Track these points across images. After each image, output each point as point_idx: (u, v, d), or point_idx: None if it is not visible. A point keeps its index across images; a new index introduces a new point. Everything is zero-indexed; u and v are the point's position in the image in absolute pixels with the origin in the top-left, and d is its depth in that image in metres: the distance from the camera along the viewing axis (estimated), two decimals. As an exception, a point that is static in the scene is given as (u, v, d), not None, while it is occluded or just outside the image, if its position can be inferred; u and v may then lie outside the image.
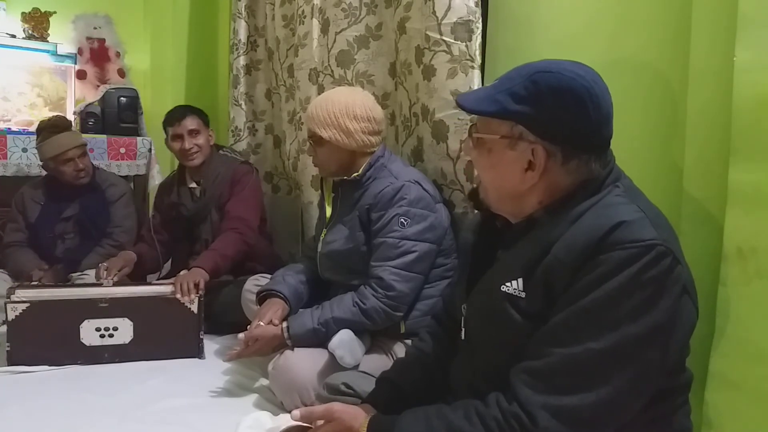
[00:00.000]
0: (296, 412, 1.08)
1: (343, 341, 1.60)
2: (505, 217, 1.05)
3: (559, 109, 0.92)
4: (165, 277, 2.47)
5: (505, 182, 0.99)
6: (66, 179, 2.46)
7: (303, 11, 2.35)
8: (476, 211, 1.14)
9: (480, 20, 1.71)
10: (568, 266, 0.88)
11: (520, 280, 0.94)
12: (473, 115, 1.06)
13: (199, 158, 2.42)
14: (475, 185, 1.09)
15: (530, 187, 0.96)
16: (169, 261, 2.62)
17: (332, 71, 2.24)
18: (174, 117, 2.44)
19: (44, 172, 2.64)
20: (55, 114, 2.90)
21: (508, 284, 0.96)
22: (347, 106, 1.70)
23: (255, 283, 2.05)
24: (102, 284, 2.12)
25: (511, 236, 1.02)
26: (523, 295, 0.94)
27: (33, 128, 3.08)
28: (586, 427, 0.87)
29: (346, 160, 1.74)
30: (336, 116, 1.69)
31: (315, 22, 2.28)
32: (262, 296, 1.83)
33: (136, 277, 2.40)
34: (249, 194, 2.40)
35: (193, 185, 2.51)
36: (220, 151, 2.54)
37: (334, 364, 1.58)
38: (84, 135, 2.68)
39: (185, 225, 2.51)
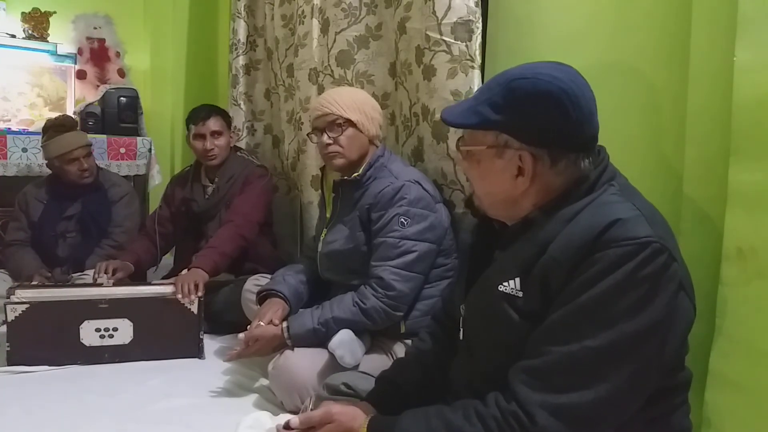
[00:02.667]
0: (294, 419, 1.08)
1: (343, 341, 1.60)
2: (502, 220, 1.05)
3: (538, 114, 0.93)
4: (168, 275, 2.48)
5: (497, 190, 1.00)
6: (70, 178, 2.47)
7: (303, 11, 2.35)
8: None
9: (480, 20, 1.71)
10: (564, 265, 0.89)
11: (517, 280, 0.95)
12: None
13: (218, 159, 2.46)
14: (470, 193, 1.10)
15: (523, 192, 0.97)
16: (168, 255, 2.63)
17: (332, 71, 2.24)
18: (199, 116, 2.45)
19: (45, 172, 2.64)
20: (62, 113, 2.89)
21: (506, 284, 0.96)
22: (366, 97, 1.82)
23: (255, 283, 2.05)
24: (102, 284, 2.12)
25: (508, 237, 1.03)
26: (520, 294, 0.94)
27: (33, 128, 3.09)
28: (585, 426, 0.87)
29: (364, 150, 1.77)
30: (361, 102, 1.76)
31: (315, 22, 2.28)
32: (262, 296, 1.83)
33: (136, 276, 2.40)
34: (257, 193, 2.41)
35: (207, 183, 2.53)
36: (238, 153, 2.57)
37: (334, 364, 1.58)
38: (84, 135, 2.68)
39: (193, 221, 2.52)
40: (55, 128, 2.45)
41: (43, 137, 2.48)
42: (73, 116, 3.16)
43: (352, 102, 1.74)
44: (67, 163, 2.44)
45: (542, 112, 0.92)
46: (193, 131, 2.45)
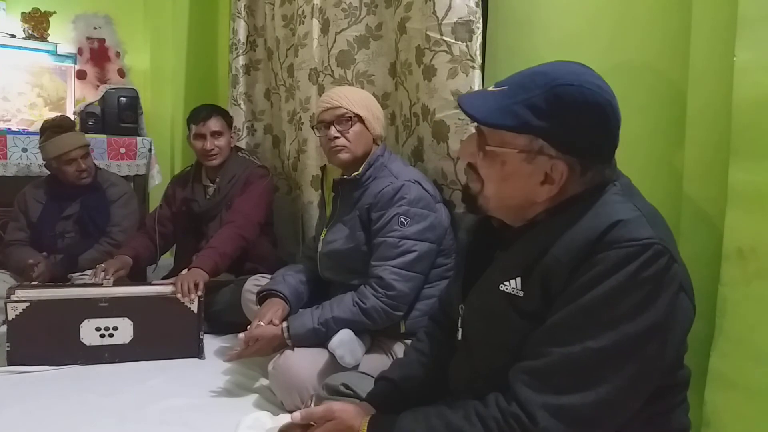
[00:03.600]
0: (296, 414, 1.08)
1: (343, 341, 1.60)
2: (503, 220, 1.04)
3: (584, 125, 0.89)
4: (169, 274, 2.49)
5: (517, 194, 0.95)
6: (68, 179, 2.47)
7: (303, 11, 2.35)
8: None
9: (480, 20, 1.72)
10: (565, 265, 0.88)
11: (519, 280, 0.94)
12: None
13: (219, 159, 2.46)
14: (473, 191, 1.04)
15: (544, 199, 0.95)
16: (168, 255, 2.63)
17: (332, 71, 2.24)
18: (199, 116, 2.46)
19: (45, 172, 2.64)
20: (59, 114, 2.88)
21: (507, 284, 0.96)
22: (372, 97, 1.84)
23: (255, 283, 2.05)
24: (102, 284, 2.13)
25: (509, 236, 1.02)
26: (521, 294, 0.94)
27: (33, 128, 3.09)
28: (586, 426, 0.87)
29: (368, 148, 1.77)
30: (368, 100, 1.79)
31: (315, 22, 2.28)
32: (263, 296, 1.83)
33: (135, 274, 2.40)
34: (257, 194, 2.42)
35: (208, 183, 2.54)
36: (239, 153, 2.57)
37: (334, 364, 1.58)
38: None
39: (194, 221, 2.53)
40: (52, 129, 2.45)
41: (40, 138, 2.48)
42: (71, 117, 3.16)
43: (361, 99, 1.77)
44: (64, 164, 2.44)
45: (588, 124, 0.89)
46: (193, 131, 2.46)
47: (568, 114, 0.89)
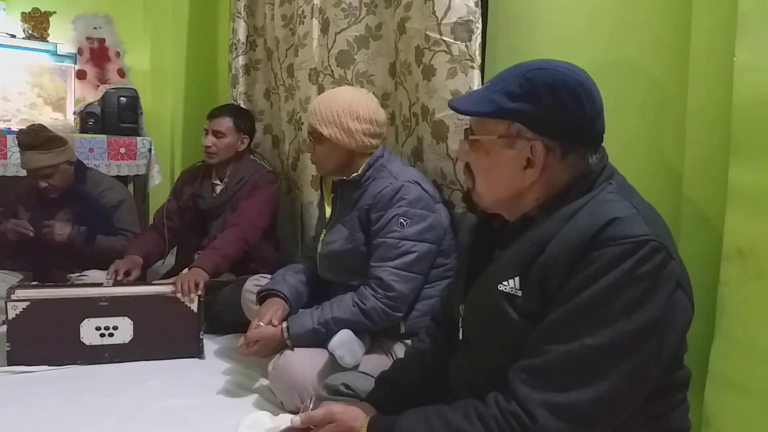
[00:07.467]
0: (296, 418, 1.08)
1: (343, 341, 1.60)
2: (501, 214, 1.05)
3: (555, 104, 0.93)
4: (170, 271, 2.49)
5: (504, 182, 0.99)
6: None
7: (303, 11, 2.35)
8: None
9: (480, 20, 1.72)
10: (562, 264, 0.89)
11: (517, 279, 0.95)
12: (469, 119, 1.06)
13: (215, 159, 2.49)
14: (467, 188, 1.08)
15: (530, 185, 0.97)
16: (170, 255, 2.64)
17: (332, 71, 2.24)
18: (212, 113, 2.53)
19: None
20: (32, 124, 2.54)
21: (505, 283, 0.96)
22: (351, 106, 1.70)
23: (255, 283, 2.05)
24: (101, 284, 2.13)
25: (508, 236, 1.03)
26: (519, 293, 0.94)
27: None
28: (585, 424, 0.87)
29: (344, 160, 1.74)
30: (339, 114, 1.70)
31: (315, 22, 2.28)
32: (263, 296, 1.83)
33: (144, 269, 2.40)
34: (263, 199, 2.42)
35: (217, 181, 2.56)
36: (251, 156, 2.59)
37: (334, 364, 1.58)
38: (84, 135, 2.66)
39: (198, 218, 2.55)
40: (19, 144, 2.40)
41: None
42: (71, 117, 3.15)
43: (330, 114, 1.69)
44: (32, 179, 2.42)
45: (559, 102, 0.93)
46: (205, 126, 2.52)
47: (539, 94, 0.93)
